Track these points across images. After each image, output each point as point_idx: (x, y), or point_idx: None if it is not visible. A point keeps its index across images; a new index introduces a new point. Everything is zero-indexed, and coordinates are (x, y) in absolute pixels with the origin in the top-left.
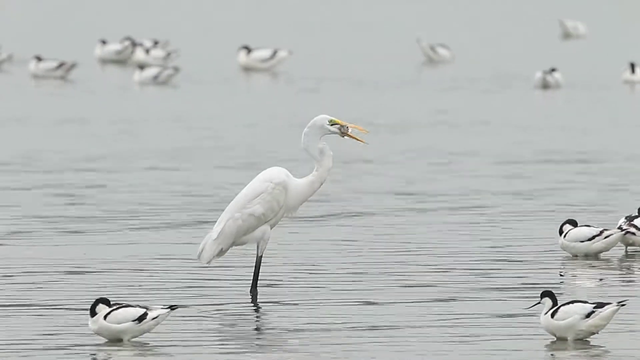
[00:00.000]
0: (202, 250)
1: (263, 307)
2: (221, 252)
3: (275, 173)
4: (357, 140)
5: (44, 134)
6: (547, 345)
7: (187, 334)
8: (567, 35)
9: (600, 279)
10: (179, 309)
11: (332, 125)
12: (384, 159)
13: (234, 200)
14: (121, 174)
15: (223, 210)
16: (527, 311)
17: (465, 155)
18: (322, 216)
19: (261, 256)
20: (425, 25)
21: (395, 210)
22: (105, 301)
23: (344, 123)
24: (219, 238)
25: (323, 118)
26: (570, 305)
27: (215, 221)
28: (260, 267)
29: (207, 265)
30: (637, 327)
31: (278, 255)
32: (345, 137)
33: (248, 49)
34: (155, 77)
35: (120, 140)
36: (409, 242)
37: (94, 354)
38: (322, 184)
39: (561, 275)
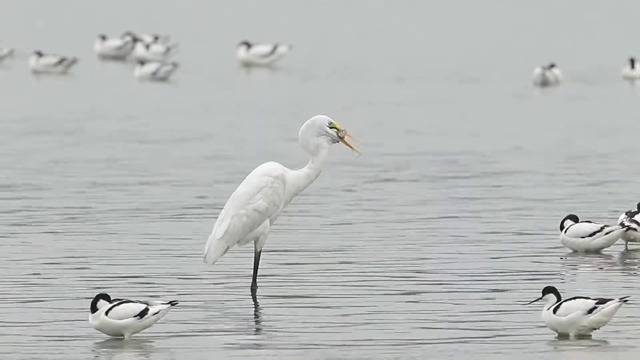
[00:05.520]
0: (207, 252)
1: (264, 303)
2: (226, 251)
3: (272, 167)
4: (351, 148)
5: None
6: (549, 342)
7: (188, 332)
8: None
9: (602, 275)
10: (180, 304)
11: (330, 127)
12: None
13: (234, 198)
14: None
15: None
16: (526, 306)
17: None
18: (324, 211)
19: (260, 251)
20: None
21: (401, 207)
22: (106, 297)
23: (342, 128)
24: (224, 237)
25: (324, 119)
26: (573, 301)
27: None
28: (260, 261)
29: (212, 265)
30: (639, 322)
31: (278, 250)
32: (340, 142)
33: (248, 45)
34: (154, 73)
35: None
36: (413, 240)
37: (94, 350)
38: (317, 176)
39: (562, 272)
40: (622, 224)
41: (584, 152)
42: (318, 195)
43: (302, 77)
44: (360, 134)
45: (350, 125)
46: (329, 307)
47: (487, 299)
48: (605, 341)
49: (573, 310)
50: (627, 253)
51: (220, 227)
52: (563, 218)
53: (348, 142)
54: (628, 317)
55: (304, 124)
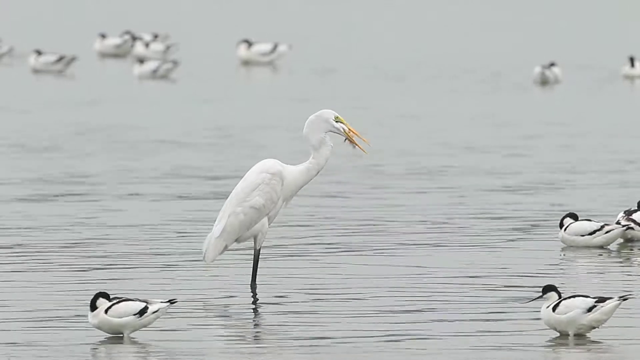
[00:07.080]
0: (206, 251)
1: (263, 301)
2: (225, 249)
3: (270, 164)
4: (358, 147)
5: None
6: (548, 340)
7: (187, 331)
8: None
9: (601, 273)
10: (179, 302)
11: (337, 122)
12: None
13: (232, 196)
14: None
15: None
16: (526, 305)
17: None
18: (324, 210)
19: (259, 249)
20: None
21: (400, 208)
22: (105, 295)
23: (347, 124)
24: (222, 235)
25: (330, 112)
26: (572, 299)
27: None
28: (259, 260)
29: (211, 264)
30: (638, 321)
31: (279, 249)
32: (347, 141)
33: (248, 43)
34: (154, 71)
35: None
36: (415, 239)
37: (94, 349)
38: (318, 172)
39: (561, 269)
40: (618, 222)
41: (583, 150)
42: (318, 195)
43: (302, 76)
44: (360, 133)
45: (351, 124)
46: (329, 306)
47: (486, 297)
48: (604, 340)
49: (572, 309)
50: (626, 251)
51: (218, 225)
52: (563, 216)
53: (354, 141)
54: (627, 315)
55: (309, 118)
